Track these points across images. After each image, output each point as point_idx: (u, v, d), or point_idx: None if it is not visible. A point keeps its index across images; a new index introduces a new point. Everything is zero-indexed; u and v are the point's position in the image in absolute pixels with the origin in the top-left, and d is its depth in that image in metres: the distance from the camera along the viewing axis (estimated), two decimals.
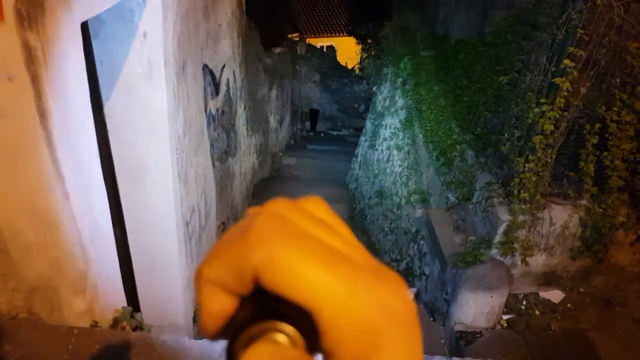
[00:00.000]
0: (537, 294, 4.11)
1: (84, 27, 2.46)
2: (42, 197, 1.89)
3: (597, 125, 3.56)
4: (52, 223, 1.95)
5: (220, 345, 1.89)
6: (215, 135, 4.90)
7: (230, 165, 5.89)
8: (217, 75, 4.80)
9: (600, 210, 3.76)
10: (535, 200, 3.72)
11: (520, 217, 3.74)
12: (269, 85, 9.25)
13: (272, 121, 9.98)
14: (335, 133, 14.53)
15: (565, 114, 3.52)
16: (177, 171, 3.32)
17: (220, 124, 5.13)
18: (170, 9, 2.99)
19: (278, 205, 0.30)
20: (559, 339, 3.72)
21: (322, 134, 14.38)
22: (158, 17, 2.77)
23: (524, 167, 3.65)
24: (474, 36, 6.41)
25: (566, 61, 3.39)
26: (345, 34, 16.73)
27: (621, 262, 4.07)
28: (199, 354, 1.87)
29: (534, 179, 3.65)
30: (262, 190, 8.16)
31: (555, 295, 4.08)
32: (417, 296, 4.94)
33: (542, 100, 3.56)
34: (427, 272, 4.79)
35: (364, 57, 13.70)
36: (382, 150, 7.55)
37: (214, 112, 4.75)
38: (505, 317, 3.88)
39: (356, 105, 14.69)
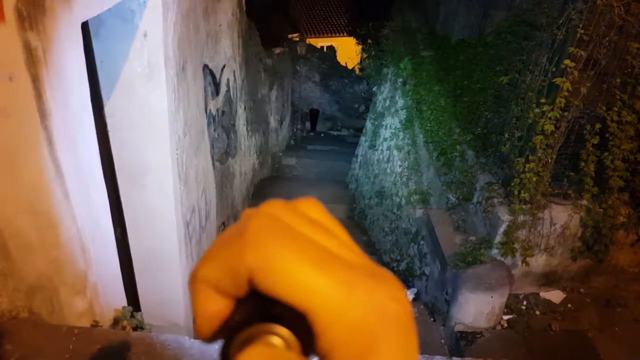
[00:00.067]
0: (538, 294, 4.11)
1: (85, 27, 2.47)
2: (42, 197, 1.89)
3: (598, 126, 3.56)
4: (53, 223, 1.96)
5: (219, 345, 1.88)
6: (216, 136, 4.90)
7: (231, 166, 5.89)
8: (218, 75, 4.80)
9: (601, 210, 3.76)
10: (536, 200, 3.72)
11: (521, 218, 3.74)
12: (269, 86, 9.25)
13: (272, 121, 9.98)
14: (335, 133, 14.53)
15: (566, 114, 3.53)
16: (178, 171, 3.32)
17: (221, 124, 5.13)
18: (171, 9, 2.99)
19: (273, 207, 0.30)
20: (559, 340, 3.72)
21: (322, 134, 14.37)
22: (158, 18, 2.78)
23: (525, 167, 3.65)
24: (474, 36, 6.41)
25: (566, 61, 3.39)
26: (345, 34, 16.73)
27: (622, 262, 4.07)
28: (199, 354, 1.87)
29: (534, 179, 3.65)
30: (262, 190, 8.16)
31: (555, 296, 4.08)
32: (418, 296, 4.94)
33: (543, 101, 3.56)
34: (427, 273, 4.79)
35: (364, 57, 13.68)
36: (382, 150, 7.55)
37: (214, 112, 4.76)
38: (505, 317, 3.88)
39: (356, 106, 14.69)
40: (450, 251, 4.17)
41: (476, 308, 3.77)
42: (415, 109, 6.34)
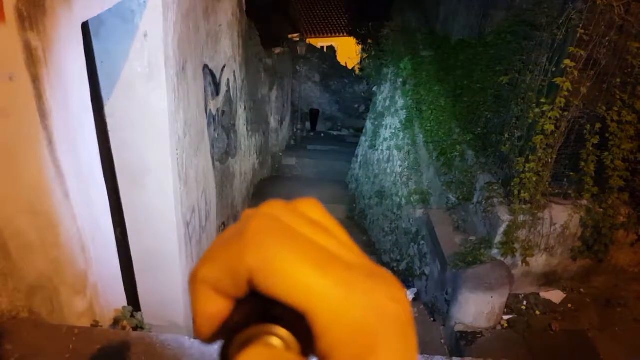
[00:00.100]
0: (538, 294, 4.11)
1: (85, 27, 2.47)
2: (42, 196, 1.89)
3: (598, 125, 3.56)
4: (53, 223, 1.96)
5: (218, 346, 1.88)
6: (216, 136, 4.90)
7: (231, 166, 5.89)
8: (218, 75, 4.81)
9: (601, 210, 3.76)
10: (536, 200, 3.72)
11: (521, 217, 3.74)
12: (269, 86, 9.26)
13: (273, 121, 9.98)
14: (335, 133, 14.53)
15: (566, 114, 3.53)
16: (178, 171, 3.32)
17: (221, 124, 5.13)
18: (171, 9, 2.99)
19: (273, 207, 0.30)
20: (559, 339, 3.72)
21: (323, 134, 14.37)
22: (159, 18, 2.78)
23: (525, 167, 3.65)
24: (474, 36, 6.41)
25: (566, 61, 3.39)
26: (345, 34, 16.73)
27: (622, 262, 4.07)
28: (199, 354, 1.87)
29: (534, 179, 3.65)
30: (262, 190, 8.16)
31: (555, 296, 4.08)
32: (418, 296, 4.94)
33: (543, 100, 3.56)
34: (427, 273, 4.79)
35: (364, 57, 13.68)
36: (382, 150, 7.55)
37: (214, 112, 4.76)
38: (505, 317, 3.88)
39: (356, 106, 14.69)
40: (450, 251, 4.17)
41: (476, 308, 3.77)
42: (415, 109, 6.34)
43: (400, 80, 7.26)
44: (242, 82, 6.25)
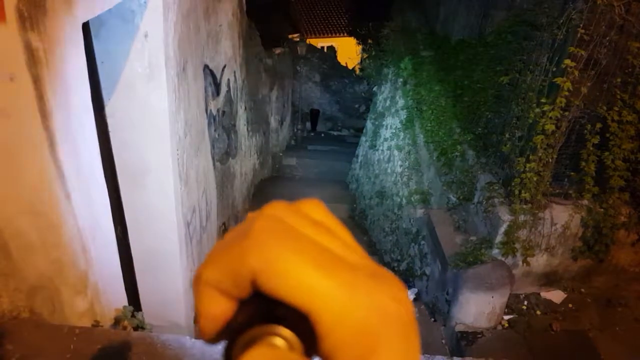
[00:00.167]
0: (539, 294, 4.11)
1: (85, 27, 2.47)
2: (43, 197, 1.89)
3: (598, 125, 3.56)
4: (54, 223, 1.96)
5: (222, 345, 1.89)
6: (216, 136, 4.90)
7: (231, 166, 5.90)
8: (218, 75, 4.81)
9: (602, 210, 3.76)
10: (536, 200, 3.72)
11: (521, 217, 3.74)
12: (270, 86, 9.26)
13: (273, 122, 9.98)
14: (335, 133, 14.53)
15: (566, 113, 3.52)
16: (178, 171, 3.32)
17: (221, 124, 5.14)
18: (171, 9, 2.99)
19: (276, 209, 0.30)
20: (560, 339, 3.72)
21: (323, 135, 14.37)
22: (159, 18, 2.78)
23: (525, 167, 3.64)
24: (474, 36, 6.41)
25: (567, 61, 3.39)
26: (345, 34, 16.72)
27: (622, 262, 4.07)
28: (200, 354, 1.87)
29: (535, 179, 3.64)
30: (262, 190, 8.16)
31: (556, 296, 4.07)
32: (418, 296, 4.94)
33: (543, 100, 3.56)
34: (427, 273, 4.79)
35: (365, 57, 13.68)
36: (382, 150, 7.54)
37: (214, 112, 4.76)
38: (506, 317, 3.88)
39: (357, 106, 14.69)
40: (450, 251, 4.17)
41: (477, 308, 3.77)
42: (415, 109, 6.34)
43: (401, 80, 7.26)
44: (243, 83, 6.26)
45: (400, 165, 6.44)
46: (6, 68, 1.62)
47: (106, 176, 2.44)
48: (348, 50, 15.53)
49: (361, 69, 14.16)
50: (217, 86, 4.79)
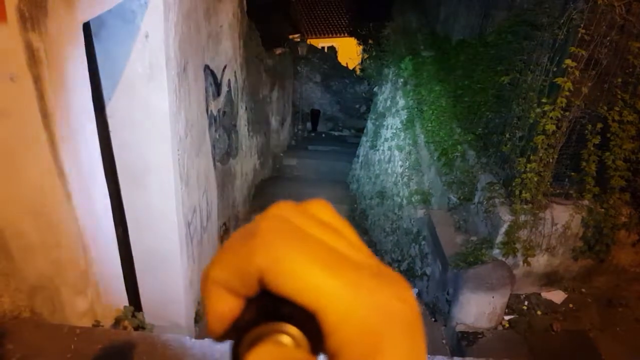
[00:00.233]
0: (539, 294, 4.10)
1: (86, 27, 2.47)
2: (44, 197, 1.89)
3: (599, 125, 3.56)
4: (54, 223, 1.96)
5: (222, 345, 1.89)
6: (217, 136, 4.90)
7: (232, 166, 5.90)
8: (219, 76, 4.81)
9: (602, 210, 3.75)
10: (537, 200, 3.72)
11: (522, 218, 3.73)
12: (270, 86, 9.26)
13: (274, 122, 9.99)
14: (336, 134, 14.53)
15: (567, 113, 3.52)
16: (179, 172, 3.32)
17: (222, 124, 5.14)
18: (172, 10, 2.99)
19: (283, 209, 0.31)
20: (560, 340, 3.72)
21: (323, 135, 14.37)
22: (160, 18, 2.78)
23: (526, 167, 3.64)
24: (474, 36, 6.41)
25: (568, 61, 3.39)
26: (346, 34, 16.73)
27: (623, 262, 4.07)
28: (200, 354, 1.87)
29: (535, 179, 3.64)
30: (263, 191, 8.16)
31: (557, 296, 4.07)
32: (419, 297, 4.94)
33: (544, 100, 3.55)
34: (428, 273, 4.79)
35: (365, 57, 13.70)
36: (383, 150, 7.54)
37: (215, 112, 4.76)
38: (507, 317, 3.88)
39: (357, 106, 14.69)
40: (451, 251, 4.17)
41: (477, 308, 3.77)
42: (416, 109, 6.34)
43: (401, 80, 7.26)
44: (243, 83, 6.26)
45: (401, 166, 6.44)
46: (7, 68, 1.62)
47: (107, 176, 2.44)
48: (349, 51, 15.55)
49: (362, 69, 14.17)
50: (217, 86, 4.79)
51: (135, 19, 2.71)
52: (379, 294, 0.27)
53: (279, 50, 10.25)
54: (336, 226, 0.31)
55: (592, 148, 3.60)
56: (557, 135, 3.58)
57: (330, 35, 19.23)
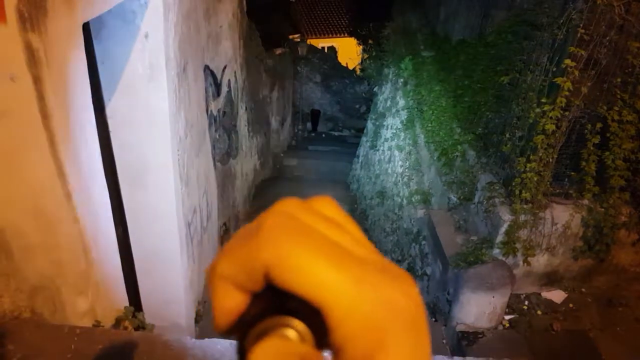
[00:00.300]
0: (539, 294, 4.10)
1: (86, 28, 2.47)
2: (44, 197, 1.90)
3: (599, 125, 3.56)
4: (54, 223, 1.96)
5: (223, 345, 1.90)
6: (217, 136, 4.91)
7: (232, 166, 5.90)
8: (219, 76, 4.81)
9: (602, 210, 3.75)
10: (537, 200, 3.72)
11: (522, 217, 3.73)
12: (270, 86, 9.27)
13: (274, 122, 9.99)
14: (336, 134, 14.54)
15: (567, 113, 3.52)
16: (179, 172, 3.33)
17: (222, 124, 5.14)
18: (172, 10, 3.00)
19: (288, 205, 0.31)
20: (561, 339, 3.72)
21: (324, 135, 14.38)
22: (159, 19, 2.78)
23: (526, 167, 3.64)
24: (474, 36, 6.41)
25: (567, 61, 3.39)
26: (346, 34, 16.74)
27: (623, 262, 4.07)
28: (201, 354, 1.87)
29: (535, 178, 3.64)
30: (263, 191, 8.17)
31: (557, 295, 4.07)
32: None
33: (544, 100, 3.56)
34: (428, 273, 4.79)
35: (365, 57, 13.70)
36: (383, 150, 7.55)
37: (215, 113, 4.76)
38: (507, 317, 3.88)
39: (357, 106, 14.70)
40: (451, 251, 4.17)
41: (478, 308, 3.77)
42: (416, 109, 6.34)
43: (401, 80, 7.26)
44: (243, 83, 6.26)
45: (401, 166, 6.44)
46: (7, 68, 1.63)
47: (107, 176, 2.45)
48: (349, 51, 15.56)
49: (362, 70, 14.18)
50: (217, 87, 4.80)
51: (135, 19, 2.71)
52: (383, 289, 0.28)
53: (279, 50, 10.26)
54: (341, 222, 0.32)
55: (591, 148, 3.60)
56: (556, 135, 3.58)
57: (330, 36, 19.24)
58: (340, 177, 9.82)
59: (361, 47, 14.46)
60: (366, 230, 7.69)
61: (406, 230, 5.76)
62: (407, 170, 6.17)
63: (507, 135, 4.02)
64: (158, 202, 3.25)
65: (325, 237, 0.29)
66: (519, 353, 3.57)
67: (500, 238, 3.82)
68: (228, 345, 1.85)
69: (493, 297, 3.71)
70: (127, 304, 2.75)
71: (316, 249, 0.27)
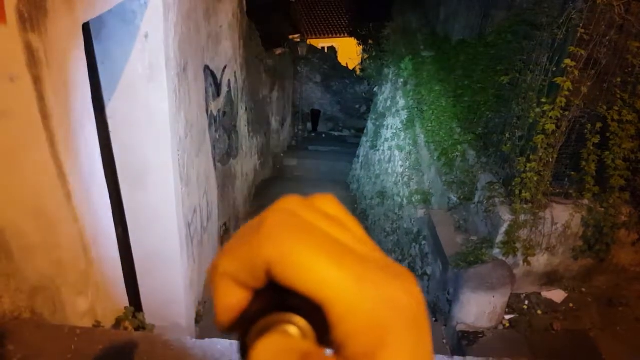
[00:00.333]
0: (539, 293, 4.10)
1: (86, 28, 2.47)
2: (44, 197, 1.90)
3: (599, 125, 3.56)
4: (55, 224, 1.96)
5: (223, 345, 1.90)
6: (217, 136, 4.91)
7: (232, 166, 5.90)
8: (219, 76, 4.81)
9: (602, 209, 3.75)
10: (537, 199, 3.72)
11: (522, 217, 3.73)
12: (270, 87, 9.27)
13: (274, 122, 9.99)
14: (336, 134, 14.54)
15: (567, 113, 3.52)
16: (179, 172, 3.33)
17: (222, 125, 5.14)
18: (172, 10, 3.00)
19: (290, 202, 0.31)
20: (561, 339, 3.71)
21: (324, 135, 14.38)
22: (159, 19, 2.78)
23: (526, 166, 3.64)
24: (474, 36, 6.41)
25: (567, 61, 3.39)
26: (346, 34, 16.74)
27: (623, 261, 4.07)
28: (201, 354, 1.87)
29: (535, 178, 3.64)
30: (263, 191, 8.17)
31: (557, 295, 4.07)
32: None
33: (544, 100, 3.56)
34: (429, 273, 4.79)
35: (365, 57, 13.71)
36: (383, 150, 7.55)
37: (215, 113, 4.76)
38: (507, 317, 3.88)
39: (357, 106, 14.70)
40: (451, 251, 4.17)
41: (478, 308, 3.77)
42: (416, 109, 6.34)
43: (401, 80, 7.26)
44: (243, 83, 6.26)
45: (401, 166, 6.44)
46: (7, 69, 1.63)
47: (107, 177, 2.45)
48: (349, 51, 15.56)
49: (362, 70, 14.18)
50: (217, 87, 4.80)
51: (135, 20, 2.72)
52: (385, 287, 0.28)
53: (279, 51, 10.26)
54: (342, 220, 0.32)
55: (591, 147, 3.60)
56: (556, 134, 3.58)
57: (330, 36, 19.23)
58: (340, 177, 9.82)
59: (361, 47, 14.46)
60: (366, 230, 7.65)
61: (406, 230, 5.76)
62: (407, 170, 6.17)
63: (507, 135, 4.02)
64: (158, 202, 3.25)
65: (327, 234, 0.29)
66: (519, 353, 3.57)
67: (500, 238, 3.82)
68: (228, 346, 1.85)
69: (493, 296, 3.71)
70: (127, 304, 2.75)
71: (318, 246, 0.28)
